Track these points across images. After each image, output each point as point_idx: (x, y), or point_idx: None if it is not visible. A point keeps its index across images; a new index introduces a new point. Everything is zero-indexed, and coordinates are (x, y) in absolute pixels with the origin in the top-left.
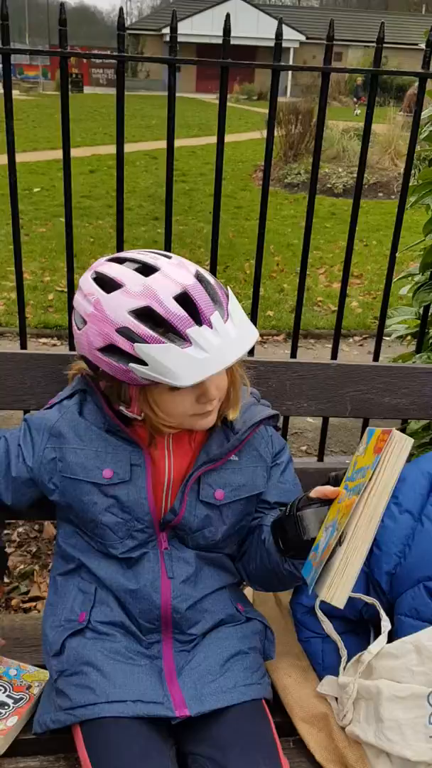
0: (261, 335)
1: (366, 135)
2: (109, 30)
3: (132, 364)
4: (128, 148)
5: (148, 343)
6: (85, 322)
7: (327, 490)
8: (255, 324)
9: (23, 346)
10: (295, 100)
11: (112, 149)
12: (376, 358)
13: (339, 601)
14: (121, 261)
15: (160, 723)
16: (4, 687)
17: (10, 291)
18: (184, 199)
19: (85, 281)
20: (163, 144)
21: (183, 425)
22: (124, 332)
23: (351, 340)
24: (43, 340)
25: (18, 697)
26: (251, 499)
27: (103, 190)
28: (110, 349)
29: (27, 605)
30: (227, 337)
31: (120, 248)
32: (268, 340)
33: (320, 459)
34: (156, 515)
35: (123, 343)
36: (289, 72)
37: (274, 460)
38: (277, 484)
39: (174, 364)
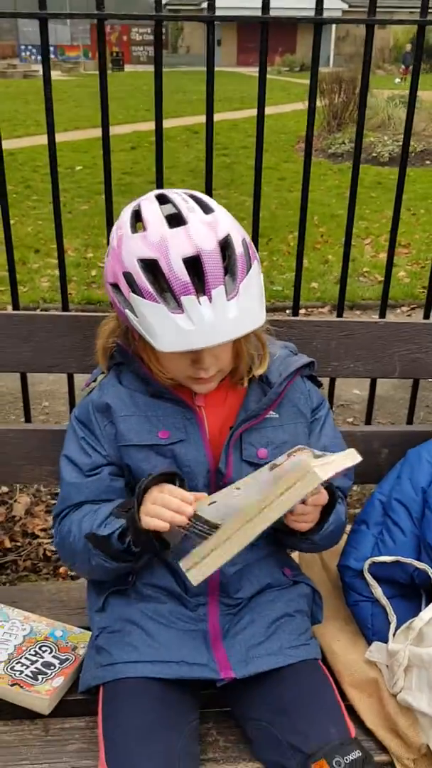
0: (305, 307)
1: (412, 100)
2: (149, 7)
3: (127, 311)
4: (169, 123)
5: (143, 297)
6: (108, 255)
7: None
8: (298, 296)
9: (65, 308)
10: (339, 69)
11: (152, 125)
12: (426, 315)
13: (194, 579)
14: (164, 200)
15: (191, 689)
16: (50, 648)
17: (54, 268)
18: (225, 172)
19: (125, 212)
20: (203, 118)
21: (182, 383)
22: (128, 277)
23: (399, 310)
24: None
25: (64, 657)
26: None
27: (144, 166)
28: (116, 288)
29: (74, 573)
30: (222, 316)
31: None
32: (312, 312)
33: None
34: (213, 473)
35: (124, 288)
36: (332, 42)
37: (313, 415)
38: (317, 440)
39: (159, 326)
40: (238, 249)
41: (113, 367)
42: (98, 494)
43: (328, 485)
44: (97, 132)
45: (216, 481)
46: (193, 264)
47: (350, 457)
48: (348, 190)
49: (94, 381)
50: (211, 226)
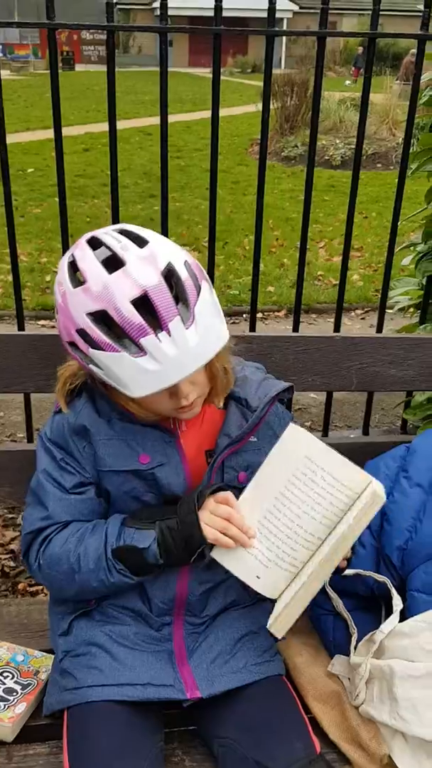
0: (262, 311)
1: (364, 104)
2: (98, 7)
3: (91, 366)
4: (122, 124)
5: (102, 349)
6: (57, 312)
7: None
8: (255, 308)
9: (20, 327)
10: (290, 71)
11: (105, 127)
12: (379, 330)
13: (280, 633)
14: (96, 245)
15: (156, 710)
16: (11, 673)
17: (6, 273)
18: (180, 175)
19: (62, 265)
20: (157, 120)
21: (167, 415)
22: (83, 334)
23: (353, 313)
24: (42, 321)
25: (26, 683)
26: None
27: (97, 168)
28: (74, 346)
29: (33, 588)
30: (185, 347)
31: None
32: (269, 316)
33: (324, 434)
34: None
35: (82, 345)
36: (283, 44)
37: None
38: None
39: (126, 374)
40: (183, 274)
41: (84, 392)
42: (87, 514)
43: None
44: (49, 133)
45: None
46: (143, 303)
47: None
48: (302, 194)
49: (70, 403)
50: (150, 259)
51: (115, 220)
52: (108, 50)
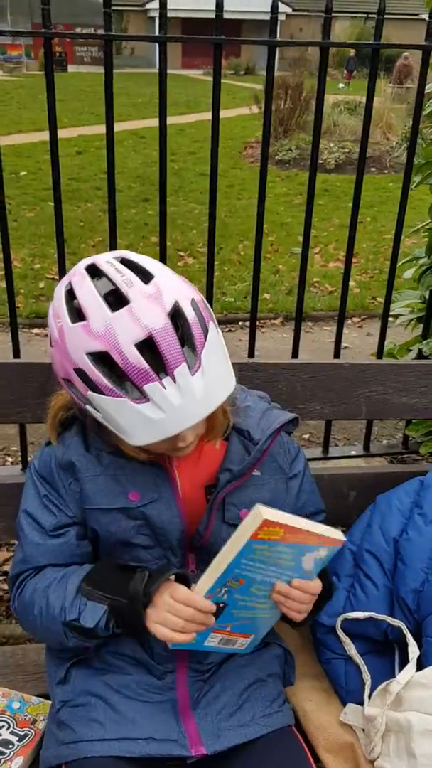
0: (258, 319)
1: (368, 112)
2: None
3: (88, 407)
4: (115, 127)
5: (102, 393)
6: (52, 344)
7: None
8: (254, 336)
9: (16, 354)
10: (284, 74)
11: (98, 129)
12: (379, 355)
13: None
14: (96, 274)
15: (159, 767)
16: (7, 723)
17: (0, 280)
18: (174, 179)
19: (58, 294)
20: (149, 123)
21: (160, 453)
22: (81, 374)
23: (350, 321)
24: (36, 330)
25: (23, 733)
26: None
27: (91, 171)
28: (70, 383)
29: None
30: (191, 395)
31: (113, 232)
32: (265, 324)
33: (325, 450)
34: (188, 535)
35: (79, 385)
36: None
37: (291, 469)
38: (296, 497)
39: (126, 420)
40: (190, 315)
41: (76, 423)
42: (64, 558)
43: (325, 577)
44: (41, 135)
45: (191, 542)
46: (147, 346)
47: (329, 530)
48: (296, 198)
49: (59, 435)
50: (156, 297)
51: (112, 225)
52: (106, 61)
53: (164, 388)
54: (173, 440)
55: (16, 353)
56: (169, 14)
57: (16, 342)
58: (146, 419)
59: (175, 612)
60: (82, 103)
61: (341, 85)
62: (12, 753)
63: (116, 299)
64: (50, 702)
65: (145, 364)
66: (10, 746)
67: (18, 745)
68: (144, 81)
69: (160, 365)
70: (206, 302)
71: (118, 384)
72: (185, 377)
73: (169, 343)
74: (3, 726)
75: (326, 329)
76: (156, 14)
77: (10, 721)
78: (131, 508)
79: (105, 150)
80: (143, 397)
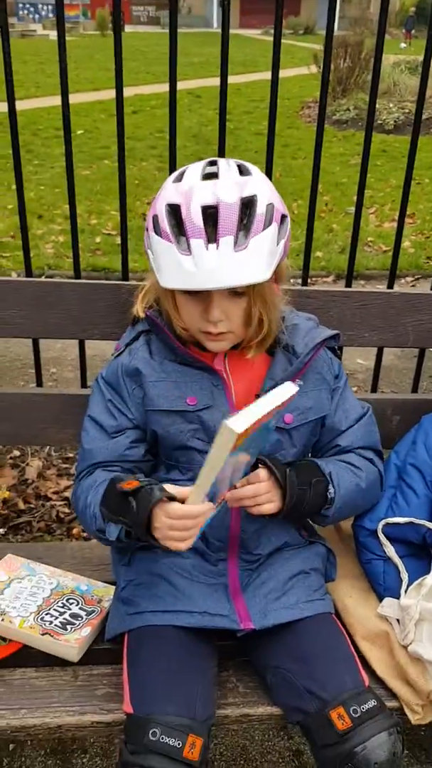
0: (310, 277)
1: (425, 71)
2: None
3: (149, 250)
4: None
5: (160, 237)
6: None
7: None
8: (308, 266)
9: (77, 275)
10: (343, 33)
11: (155, 89)
12: None
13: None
14: (212, 163)
15: (211, 639)
16: (76, 600)
17: (57, 234)
18: (229, 138)
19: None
20: (205, 82)
21: (196, 337)
22: (155, 219)
23: (403, 281)
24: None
25: (90, 609)
26: (318, 421)
27: (146, 131)
28: (147, 232)
29: (87, 534)
30: (225, 264)
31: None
32: (317, 281)
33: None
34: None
35: (150, 228)
36: (337, 4)
37: (335, 383)
38: (337, 407)
39: (166, 263)
40: (260, 209)
41: (143, 335)
42: (116, 457)
43: (264, 462)
44: (98, 95)
45: None
46: (212, 214)
47: (282, 391)
48: (353, 158)
49: (125, 346)
50: (240, 185)
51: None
52: (171, 18)
53: (206, 249)
54: (205, 317)
55: (77, 274)
56: None
57: (77, 263)
58: (181, 268)
59: (176, 528)
60: (138, 62)
61: (403, 44)
62: (81, 624)
63: (211, 176)
64: (113, 587)
65: (201, 223)
66: (80, 618)
67: (86, 619)
68: (200, 40)
69: (213, 231)
70: (284, 213)
71: (175, 235)
72: (228, 248)
73: (228, 217)
74: (73, 603)
75: (378, 288)
76: None
77: (79, 600)
78: (188, 412)
79: (160, 109)
80: (188, 250)
